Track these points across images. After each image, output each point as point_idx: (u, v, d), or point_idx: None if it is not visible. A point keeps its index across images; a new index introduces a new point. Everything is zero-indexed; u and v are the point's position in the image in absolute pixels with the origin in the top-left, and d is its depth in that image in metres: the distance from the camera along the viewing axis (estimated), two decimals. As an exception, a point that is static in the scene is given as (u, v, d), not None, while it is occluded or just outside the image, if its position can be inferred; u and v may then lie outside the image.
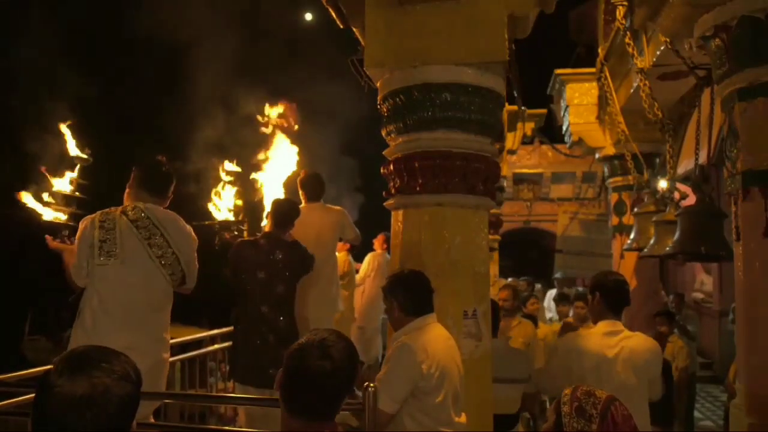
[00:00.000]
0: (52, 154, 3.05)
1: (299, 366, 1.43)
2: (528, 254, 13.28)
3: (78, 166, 3.10)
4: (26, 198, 2.93)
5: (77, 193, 3.11)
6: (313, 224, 4.09)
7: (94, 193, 3.17)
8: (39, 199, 2.97)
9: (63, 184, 3.05)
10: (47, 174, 3.02)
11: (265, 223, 3.95)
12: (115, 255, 2.54)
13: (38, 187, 2.99)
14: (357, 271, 6.08)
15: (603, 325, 2.72)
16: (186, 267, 2.68)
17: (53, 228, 2.88)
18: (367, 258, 6.21)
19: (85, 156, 3.11)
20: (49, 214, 2.97)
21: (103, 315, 2.52)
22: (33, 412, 1.10)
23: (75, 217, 2.95)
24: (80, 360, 1.12)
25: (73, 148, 3.08)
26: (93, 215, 2.64)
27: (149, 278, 2.60)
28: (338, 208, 4.35)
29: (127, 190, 2.78)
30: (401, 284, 2.37)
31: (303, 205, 4.22)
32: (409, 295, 2.34)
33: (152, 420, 2.78)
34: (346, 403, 2.06)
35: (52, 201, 3.00)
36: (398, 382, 2.18)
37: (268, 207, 3.95)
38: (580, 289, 7.78)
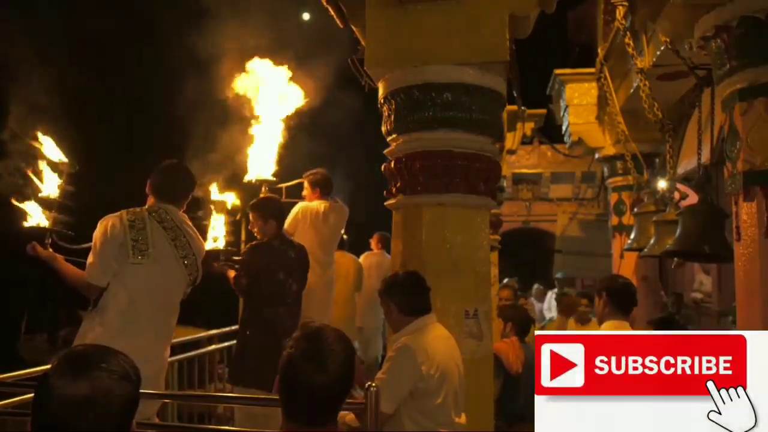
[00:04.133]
0: (35, 158, 2.96)
1: (293, 379, 1.39)
2: (527, 254, 13.28)
3: (64, 173, 3.00)
4: (20, 202, 2.85)
5: (59, 199, 2.92)
6: (331, 223, 4.22)
7: (78, 201, 3.08)
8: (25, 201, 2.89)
9: (50, 188, 2.96)
10: (34, 177, 2.93)
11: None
12: (148, 254, 2.54)
13: (25, 189, 2.91)
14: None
15: (609, 326, 2.74)
16: (200, 269, 2.72)
17: (36, 234, 2.74)
18: (368, 260, 6.21)
19: (69, 161, 3.02)
20: (32, 219, 2.83)
21: (133, 316, 2.51)
22: (33, 414, 1.10)
23: (60, 224, 2.82)
24: (80, 361, 1.12)
25: (58, 154, 3.00)
26: (117, 214, 2.61)
27: (174, 279, 2.63)
28: (339, 204, 4.40)
29: (149, 194, 2.76)
30: (398, 285, 2.37)
31: (321, 202, 4.25)
32: (406, 296, 2.34)
33: (157, 420, 2.76)
34: (348, 403, 2.06)
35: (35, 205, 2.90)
36: (397, 383, 2.18)
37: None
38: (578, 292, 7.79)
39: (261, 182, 4.03)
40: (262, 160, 4.07)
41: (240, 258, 3.42)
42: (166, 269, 2.59)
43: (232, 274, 3.41)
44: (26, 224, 2.80)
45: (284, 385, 1.42)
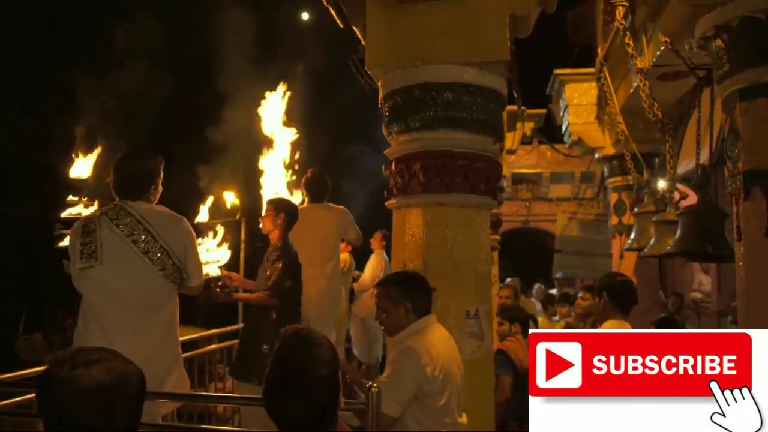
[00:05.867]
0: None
1: (270, 404, 1.40)
2: (527, 254, 13.29)
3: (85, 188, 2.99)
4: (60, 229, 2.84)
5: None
6: (317, 224, 4.12)
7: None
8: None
9: (74, 209, 2.94)
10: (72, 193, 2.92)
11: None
12: (96, 257, 2.44)
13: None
14: (355, 279, 6.09)
15: (609, 325, 2.74)
16: (179, 261, 2.54)
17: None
18: (374, 259, 6.19)
19: (83, 177, 3.00)
20: (66, 241, 2.81)
21: (92, 321, 2.45)
22: (46, 411, 1.10)
23: None
24: (84, 354, 1.13)
25: (76, 170, 2.98)
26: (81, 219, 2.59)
27: (137, 277, 2.48)
28: (341, 207, 4.34)
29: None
30: (414, 285, 2.31)
31: (306, 204, 4.23)
32: (422, 296, 2.30)
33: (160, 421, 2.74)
34: (349, 403, 2.06)
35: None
36: (402, 386, 2.16)
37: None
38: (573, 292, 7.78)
39: None
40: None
41: (280, 260, 3.41)
42: (123, 268, 2.46)
43: (243, 296, 3.45)
44: (59, 245, 2.84)
45: (265, 405, 1.42)
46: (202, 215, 3.78)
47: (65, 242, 2.80)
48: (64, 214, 2.88)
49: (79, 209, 2.93)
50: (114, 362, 1.11)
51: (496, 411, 3.26)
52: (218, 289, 3.26)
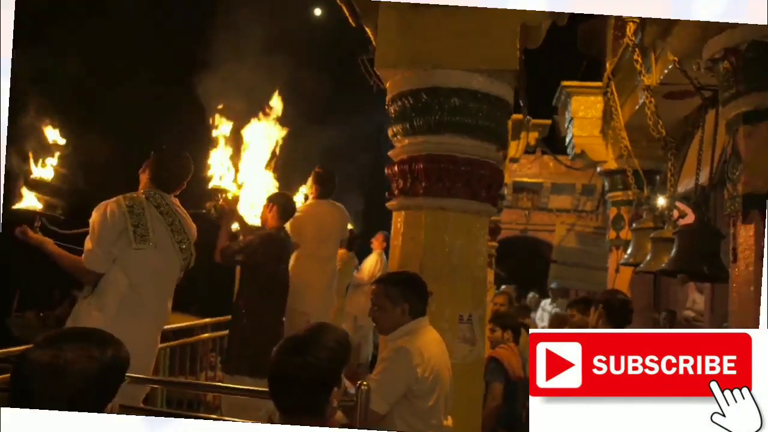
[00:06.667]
0: (33, 138, 2.86)
1: (273, 362, 1.48)
2: (524, 263, 13.30)
3: (58, 154, 2.90)
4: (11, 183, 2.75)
5: (52, 182, 2.81)
6: (325, 219, 4.19)
7: (72, 183, 2.97)
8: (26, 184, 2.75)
9: (43, 171, 2.79)
10: (31, 158, 2.84)
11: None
12: (149, 240, 2.54)
13: (18, 170, 2.80)
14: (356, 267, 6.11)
15: None
16: (193, 253, 2.74)
17: (25, 217, 2.64)
18: (374, 258, 6.20)
19: (63, 143, 2.92)
20: (23, 202, 2.73)
21: (134, 302, 2.50)
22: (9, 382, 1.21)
23: (50, 207, 2.74)
24: (59, 336, 1.22)
25: (52, 134, 2.90)
26: (115, 199, 2.56)
27: (171, 263, 2.66)
28: (340, 205, 4.38)
29: (143, 177, 2.74)
30: (414, 287, 2.31)
31: (311, 200, 4.26)
32: (421, 297, 2.31)
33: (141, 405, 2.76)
34: (340, 400, 2.08)
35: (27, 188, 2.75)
36: (392, 384, 2.18)
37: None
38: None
39: None
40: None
41: (249, 239, 3.40)
42: (164, 254, 2.62)
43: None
44: (16, 206, 2.70)
45: (269, 373, 1.49)
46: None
47: (23, 204, 2.68)
48: (17, 207, 2.76)
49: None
50: (77, 352, 1.16)
51: (487, 417, 3.29)
52: (213, 208, 3.22)
